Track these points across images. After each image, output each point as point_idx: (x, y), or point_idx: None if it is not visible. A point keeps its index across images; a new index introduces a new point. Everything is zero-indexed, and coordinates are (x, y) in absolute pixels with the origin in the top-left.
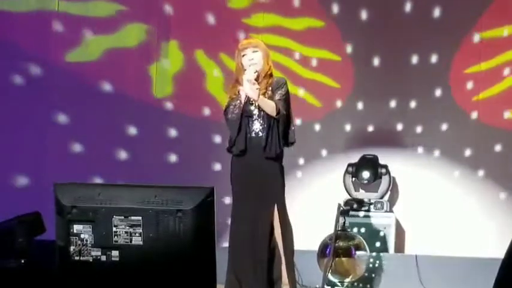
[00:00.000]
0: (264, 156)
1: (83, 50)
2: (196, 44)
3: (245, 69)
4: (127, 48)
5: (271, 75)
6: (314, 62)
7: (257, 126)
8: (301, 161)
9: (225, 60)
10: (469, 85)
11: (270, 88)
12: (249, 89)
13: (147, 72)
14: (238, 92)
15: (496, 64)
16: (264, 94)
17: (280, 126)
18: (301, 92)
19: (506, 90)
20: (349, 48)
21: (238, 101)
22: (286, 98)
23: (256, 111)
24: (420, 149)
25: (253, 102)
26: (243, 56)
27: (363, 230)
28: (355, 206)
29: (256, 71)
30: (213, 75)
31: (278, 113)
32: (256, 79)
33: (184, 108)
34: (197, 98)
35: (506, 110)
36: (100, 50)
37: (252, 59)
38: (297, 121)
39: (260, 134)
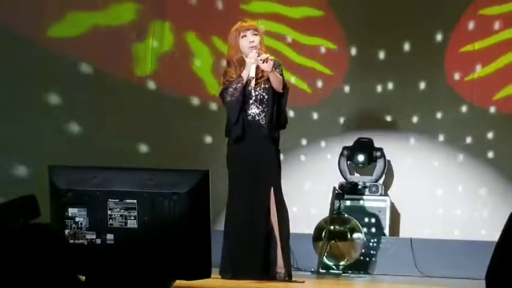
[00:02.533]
0: (263, 138)
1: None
2: (189, 26)
3: (241, 50)
4: (112, 26)
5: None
6: (309, 48)
7: (254, 110)
8: (297, 145)
9: (217, 44)
10: (465, 68)
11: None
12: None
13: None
14: (238, 75)
15: (490, 43)
16: (261, 77)
17: (283, 103)
18: (295, 77)
19: (502, 69)
20: (344, 33)
21: (240, 84)
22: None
23: (253, 95)
24: (415, 133)
25: (251, 87)
26: (242, 37)
27: (358, 213)
28: (350, 189)
29: (259, 55)
30: (200, 59)
31: (284, 87)
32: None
33: (168, 88)
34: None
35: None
36: (85, 27)
37: (253, 42)
38: (293, 105)
39: (257, 117)
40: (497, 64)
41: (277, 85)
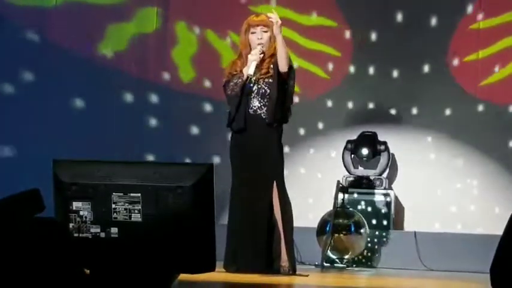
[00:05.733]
0: (265, 131)
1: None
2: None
3: (250, 45)
4: (146, 33)
5: (274, 55)
6: (313, 44)
7: (256, 103)
8: (300, 138)
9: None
10: (470, 63)
11: (272, 66)
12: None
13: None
14: (241, 70)
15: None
16: (266, 73)
17: (290, 87)
18: (300, 68)
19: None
20: (349, 27)
21: (240, 80)
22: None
23: (255, 89)
24: (419, 126)
25: (253, 81)
26: (252, 33)
27: (361, 207)
28: (354, 183)
29: (263, 52)
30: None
31: (290, 68)
32: (262, 59)
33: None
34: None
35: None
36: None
37: (261, 38)
38: (297, 98)
39: (258, 111)
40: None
41: (284, 58)
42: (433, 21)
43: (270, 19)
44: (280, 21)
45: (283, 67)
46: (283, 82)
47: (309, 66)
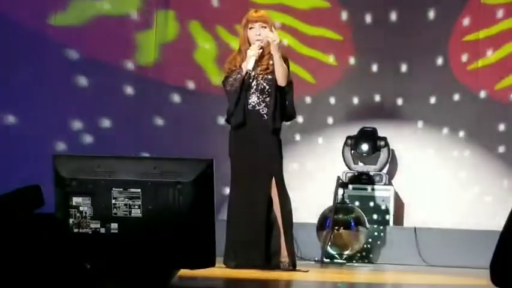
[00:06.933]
0: (264, 128)
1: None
2: (193, 16)
3: (249, 41)
4: (117, 15)
5: None
6: (314, 37)
7: (254, 99)
8: (300, 134)
9: (221, 34)
10: (469, 57)
11: (271, 63)
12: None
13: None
14: (240, 65)
15: (495, 32)
16: (265, 70)
17: (288, 99)
18: (299, 65)
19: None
20: (348, 23)
21: (239, 75)
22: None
23: (254, 85)
24: (419, 122)
25: (252, 76)
26: (250, 28)
27: (361, 202)
28: (354, 178)
29: (262, 48)
30: (205, 47)
31: (289, 83)
32: (262, 55)
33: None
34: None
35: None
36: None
37: (259, 35)
38: (297, 94)
39: (257, 107)
40: (500, 53)
41: (281, 75)
42: (431, 15)
43: (268, 38)
44: (277, 40)
45: (281, 83)
46: (282, 91)
47: (307, 66)
